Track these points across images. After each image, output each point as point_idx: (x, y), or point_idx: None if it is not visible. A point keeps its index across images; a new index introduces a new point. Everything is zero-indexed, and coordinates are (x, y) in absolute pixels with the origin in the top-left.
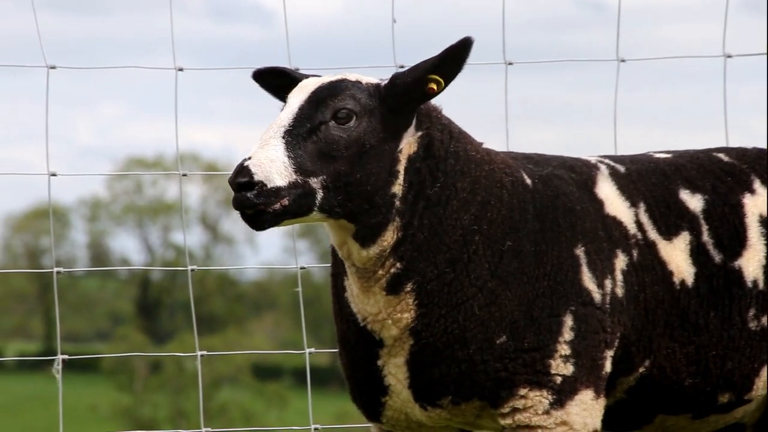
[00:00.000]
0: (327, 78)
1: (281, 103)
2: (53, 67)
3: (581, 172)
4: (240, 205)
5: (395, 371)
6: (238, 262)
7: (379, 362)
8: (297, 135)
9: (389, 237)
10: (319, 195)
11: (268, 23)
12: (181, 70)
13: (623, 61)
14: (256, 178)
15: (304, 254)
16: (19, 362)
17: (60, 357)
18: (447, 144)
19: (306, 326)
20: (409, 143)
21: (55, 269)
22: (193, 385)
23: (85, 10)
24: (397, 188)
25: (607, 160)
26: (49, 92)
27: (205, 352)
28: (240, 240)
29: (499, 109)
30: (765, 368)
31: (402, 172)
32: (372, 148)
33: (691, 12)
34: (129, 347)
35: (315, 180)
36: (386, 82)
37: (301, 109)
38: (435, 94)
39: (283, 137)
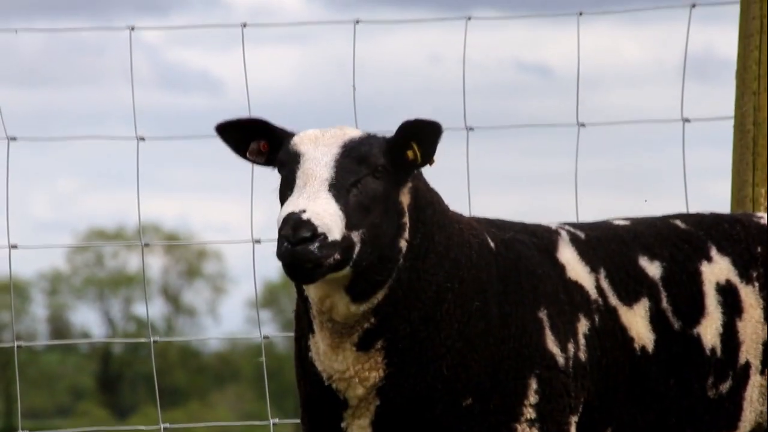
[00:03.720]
0: (349, 131)
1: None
2: (14, 139)
3: (542, 237)
4: (302, 258)
5: None
6: (200, 333)
7: (343, 424)
8: (340, 188)
9: (381, 294)
10: (357, 248)
11: (216, 92)
12: (142, 139)
13: (583, 125)
14: (319, 230)
15: (266, 324)
16: None
17: None
18: (425, 193)
19: (270, 397)
20: (404, 194)
21: (16, 343)
22: None
23: (32, 83)
24: (403, 243)
25: (567, 227)
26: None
27: (168, 425)
28: (202, 311)
29: (458, 177)
30: None
31: (408, 224)
32: (391, 200)
33: (637, 78)
34: (90, 422)
35: (356, 233)
36: (387, 138)
37: (338, 162)
38: (410, 162)
39: (329, 190)
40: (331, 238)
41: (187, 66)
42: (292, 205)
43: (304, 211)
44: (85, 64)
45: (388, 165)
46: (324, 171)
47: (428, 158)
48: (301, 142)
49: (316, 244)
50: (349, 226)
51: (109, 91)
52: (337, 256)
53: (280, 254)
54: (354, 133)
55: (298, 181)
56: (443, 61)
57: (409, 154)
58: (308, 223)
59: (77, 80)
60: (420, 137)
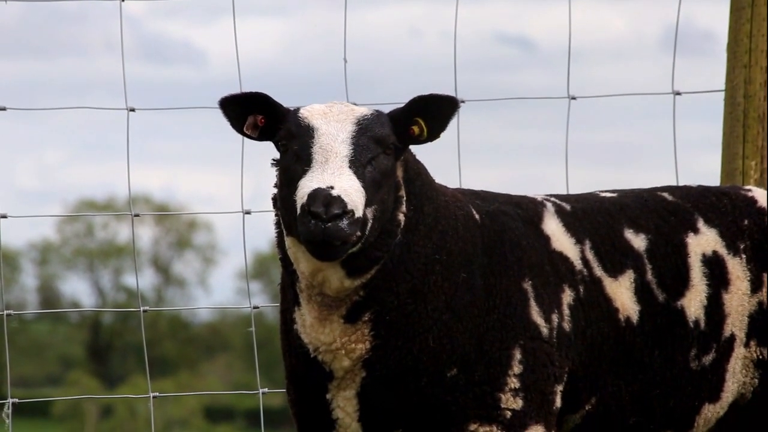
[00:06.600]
0: (355, 107)
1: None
2: (3, 109)
3: (527, 209)
4: (333, 236)
5: (344, 404)
6: (190, 304)
7: (328, 395)
8: (358, 165)
9: (375, 268)
10: (369, 224)
11: (200, 63)
12: (132, 110)
13: (574, 98)
14: (349, 207)
15: (256, 295)
16: None
17: (10, 401)
18: (413, 164)
19: (259, 367)
20: (398, 167)
21: (6, 311)
22: (145, 429)
23: (14, 53)
24: (401, 216)
25: (552, 198)
26: None
27: (157, 394)
28: (192, 282)
29: (448, 149)
30: (705, 406)
31: (404, 197)
32: (394, 174)
33: (619, 51)
34: (80, 391)
35: (370, 210)
36: (390, 113)
37: (355, 139)
38: (414, 137)
39: (350, 167)
40: (357, 215)
41: (170, 37)
42: (318, 180)
43: (332, 188)
44: (66, 35)
45: (396, 141)
46: (343, 147)
47: (437, 134)
48: (311, 116)
49: (346, 222)
50: (367, 202)
51: (91, 62)
52: (358, 233)
53: (310, 232)
54: (362, 109)
55: (317, 156)
56: (423, 36)
57: (415, 129)
58: (339, 200)
59: (58, 51)
60: (433, 113)
